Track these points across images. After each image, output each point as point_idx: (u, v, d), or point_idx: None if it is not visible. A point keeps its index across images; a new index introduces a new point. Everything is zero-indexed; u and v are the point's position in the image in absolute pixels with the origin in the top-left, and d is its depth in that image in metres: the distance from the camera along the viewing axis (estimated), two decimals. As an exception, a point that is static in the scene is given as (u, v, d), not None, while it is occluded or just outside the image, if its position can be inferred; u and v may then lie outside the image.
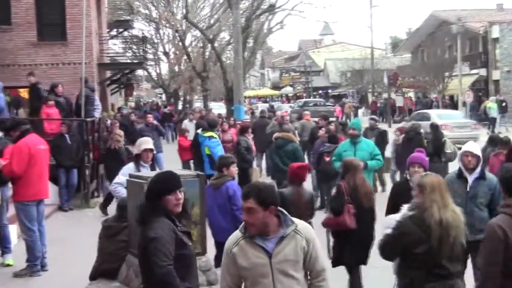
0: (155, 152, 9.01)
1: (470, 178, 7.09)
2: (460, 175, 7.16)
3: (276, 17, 43.90)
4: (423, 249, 5.02)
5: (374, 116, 21.56)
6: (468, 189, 7.04)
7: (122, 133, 15.22)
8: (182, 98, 52.82)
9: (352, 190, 7.54)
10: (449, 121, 25.56)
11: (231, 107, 29.36)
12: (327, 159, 12.64)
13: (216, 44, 38.34)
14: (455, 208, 5.24)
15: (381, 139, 15.98)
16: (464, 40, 45.66)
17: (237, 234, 4.45)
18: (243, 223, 4.43)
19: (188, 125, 20.76)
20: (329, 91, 72.56)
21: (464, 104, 38.89)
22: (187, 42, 43.73)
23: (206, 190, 8.13)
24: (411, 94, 56.01)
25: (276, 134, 13.65)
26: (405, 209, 5.42)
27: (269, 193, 4.34)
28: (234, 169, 8.31)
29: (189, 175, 7.22)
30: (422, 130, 15.45)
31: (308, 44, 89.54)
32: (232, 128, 18.07)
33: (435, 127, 15.35)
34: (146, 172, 8.04)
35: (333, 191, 7.89)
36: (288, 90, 76.17)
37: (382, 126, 22.84)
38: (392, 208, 6.73)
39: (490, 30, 46.10)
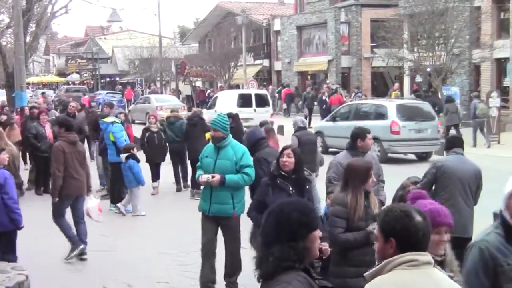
0: None
1: None
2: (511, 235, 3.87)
3: (60, 0, 42.37)
4: None
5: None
6: None
7: None
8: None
9: None
10: (164, 103, 33.38)
11: (12, 94, 27.85)
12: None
13: (-6, 27, 36.06)
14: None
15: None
16: (248, 31, 47.38)
17: None
18: None
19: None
20: (117, 78, 71.58)
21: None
22: (-40, 23, 40.60)
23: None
24: (199, 83, 57.06)
25: (168, 114, 16.39)
26: None
27: None
28: (4, 156, 8.15)
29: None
30: (205, 117, 15.78)
31: (96, 30, 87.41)
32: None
33: (235, 117, 15.75)
34: None
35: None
36: (75, 77, 73.87)
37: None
38: None
39: (273, 23, 48.30)
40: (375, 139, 17.64)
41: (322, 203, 7.54)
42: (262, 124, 12.16)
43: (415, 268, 3.03)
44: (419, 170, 5.96)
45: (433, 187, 7.24)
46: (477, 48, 29.81)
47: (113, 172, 13.18)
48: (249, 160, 7.71)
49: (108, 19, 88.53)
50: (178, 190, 15.26)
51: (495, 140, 23.94)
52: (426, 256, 3.08)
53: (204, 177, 7.54)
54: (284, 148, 6.83)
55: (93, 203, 9.74)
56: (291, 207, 3.15)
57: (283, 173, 6.67)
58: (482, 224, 7.63)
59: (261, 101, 29.22)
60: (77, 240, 9.43)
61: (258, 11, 50.38)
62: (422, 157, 20.58)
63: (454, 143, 7.53)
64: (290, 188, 6.58)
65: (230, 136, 7.82)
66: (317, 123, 25.45)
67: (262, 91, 32.91)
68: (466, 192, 7.15)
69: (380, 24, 33.35)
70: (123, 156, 12.52)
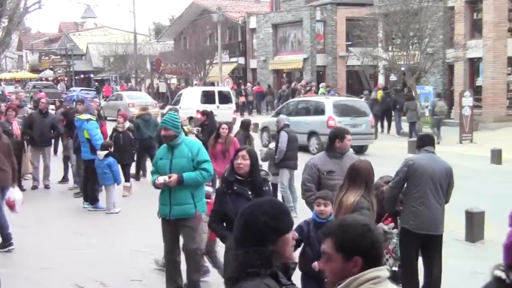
0: None
1: None
2: None
3: (34, -4, 41.85)
4: None
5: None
6: None
7: None
8: None
9: None
10: (136, 100, 33.99)
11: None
12: None
13: (-34, 22, 35.60)
14: None
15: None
16: (224, 29, 47.29)
17: None
18: None
19: None
20: (92, 75, 71.06)
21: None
22: None
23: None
24: (174, 80, 56.89)
25: (140, 112, 16.67)
26: None
27: None
28: None
29: None
30: (181, 114, 15.82)
31: (70, 26, 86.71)
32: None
33: (210, 114, 15.83)
34: None
35: None
36: (48, 73, 73.15)
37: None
38: None
39: (248, 21, 48.28)
40: (314, 133, 21.39)
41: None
42: (244, 121, 13.57)
43: (378, 285, 2.80)
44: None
45: (405, 185, 7.29)
46: (451, 47, 30.06)
47: (86, 169, 13.08)
48: (206, 155, 7.45)
49: (83, 15, 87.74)
50: (137, 179, 15.66)
51: (467, 139, 24.24)
52: (385, 271, 2.87)
53: (160, 179, 7.20)
54: (238, 150, 6.39)
55: (19, 195, 9.72)
56: (261, 209, 2.96)
57: (238, 177, 6.20)
58: (453, 222, 7.75)
59: (224, 98, 30.48)
60: (10, 239, 9.53)
61: (234, 8, 50.33)
62: (358, 150, 21.35)
63: (425, 142, 7.55)
64: (249, 193, 6.09)
65: (183, 134, 7.56)
66: (263, 119, 27.58)
67: (225, 89, 33.75)
68: (437, 190, 7.20)
69: (355, 23, 33.51)
70: (101, 153, 12.43)
